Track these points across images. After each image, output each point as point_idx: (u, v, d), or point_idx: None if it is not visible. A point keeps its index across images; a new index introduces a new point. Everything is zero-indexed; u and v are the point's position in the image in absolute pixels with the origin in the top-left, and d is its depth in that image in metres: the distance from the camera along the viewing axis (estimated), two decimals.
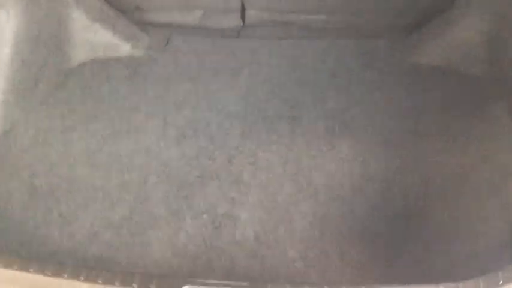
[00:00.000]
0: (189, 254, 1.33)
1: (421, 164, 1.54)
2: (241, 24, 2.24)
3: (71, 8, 1.94)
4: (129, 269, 1.29)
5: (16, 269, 0.99)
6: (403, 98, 1.79)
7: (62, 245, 1.37)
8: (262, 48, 2.12)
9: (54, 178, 1.57)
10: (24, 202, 1.50)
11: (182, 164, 1.61)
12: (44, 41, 1.83)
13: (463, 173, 1.50)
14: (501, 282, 0.93)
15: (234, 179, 1.55)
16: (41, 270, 0.99)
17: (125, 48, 2.09)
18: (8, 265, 1.00)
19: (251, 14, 2.19)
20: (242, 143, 1.68)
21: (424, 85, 1.85)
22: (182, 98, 1.88)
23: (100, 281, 0.97)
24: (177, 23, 2.23)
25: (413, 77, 1.89)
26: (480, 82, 1.82)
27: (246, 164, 1.60)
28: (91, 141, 1.70)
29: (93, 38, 2.03)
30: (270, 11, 2.18)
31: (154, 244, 1.36)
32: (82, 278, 0.97)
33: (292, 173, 1.56)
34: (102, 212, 1.46)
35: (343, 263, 1.29)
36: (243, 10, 2.22)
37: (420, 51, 1.97)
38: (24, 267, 1.00)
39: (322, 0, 2.10)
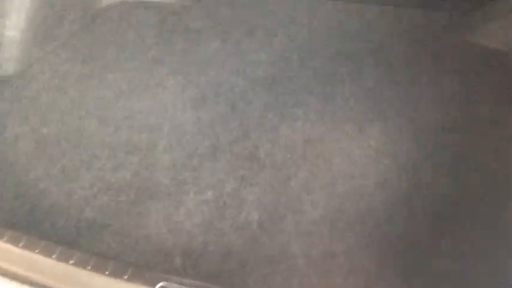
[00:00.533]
0: (185, 232, 1.24)
1: (459, 166, 1.37)
2: None
3: None
4: (120, 241, 1.21)
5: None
6: (452, 85, 1.60)
7: (58, 203, 1.30)
8: (304, 8, 1.94)
9: (63, 128, 1.50)
10: (30, 151, 1.44)
11: (196, 130, 1.50)
12: None
13: (505, 179, 1.33)
14: None
15: (247, 154, 1.43)
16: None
17: None
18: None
19: None
20: (264, 114, 1.55)
21: (478, 70, 1.64)
22: (209, 56, 1.75)
23: (72, 262, 0.89)
24: None
25: (467, 60, 1.68)
26: None
27: (264, 140, 1.47)
28: (106, 93, 1.61)
29: None
30: None
31: (151, 216, 1.28)
32: (54, 256, 0.90)
33: (312, 155, 1.43)
34: (104, 172, 1.39)
35: (349, 268, 1.17)
36: None
37: (480, 31, 1.75)
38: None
39: None
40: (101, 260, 0.89)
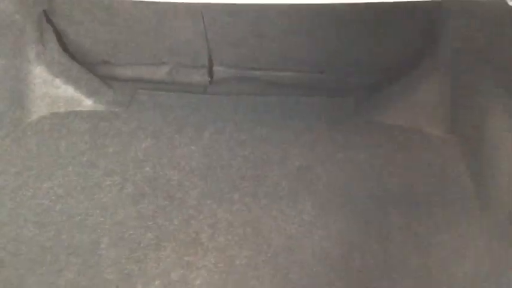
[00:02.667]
0: None
1: (383, 230, 1.51)
2: (209, 80, 2.23)
3: (32, 64, 1.91)
4: None
5: None
6: (367, 159, 1.78)
7: None
8: (227, 105, 2.11)
9: (1, 240, 1.49)
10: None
11: (137, 225, 1.54)
12: (2, 96, 1.79)
13: (426, 239, 1.47)
14: None
15: (191, 240, 1.49)
16: None
17: (87, 103, 2.05)
18: None
19: (219, 70, 2.19)
20: (202, 202, 1.63)
21: (388, 146, 1.84)
22: (143, 154, 1.83)
23: None
24: (145, 78, 2.22)
25: (377, 137, 1.89)
26: (442, 143, 1.83)
27: (205, 226, 1.54)
28: (43, 201, 1.63)
29: (54, 92, 1.99)
30: (237, 68, 2.18)
31: None
32: None
33: (252, 235, 1.51)
34: (48, 276, 1.38)
35: None
36: (210, 66, 2.22)
37: (385, 111, 1.98)
38: None
39: (288, 58, 2.11)
40: None
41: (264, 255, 1.44)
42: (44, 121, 1.97)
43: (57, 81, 1.99)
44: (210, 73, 2.23)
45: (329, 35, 2.01)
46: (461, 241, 1.45)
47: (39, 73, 1.94)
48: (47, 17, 1.98)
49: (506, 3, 1.14)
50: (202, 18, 2.04)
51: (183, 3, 2.06)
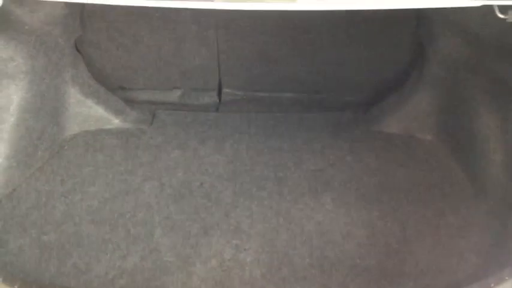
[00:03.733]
0: None
1: (398, 214, 1.77)
2: (218, 102, 2.48)
3: (67, 85, 2.11)
4: None
5: None
6: (372, 160, 2.05)
7: None
8: (241, 121, 2.35)
9: (62, 235, 1.65)
10: (36, 256, 1.56)
11: (183, 218, 1.74)
12: (44, 112, 1.97)
13: (435, 221, 1.74)
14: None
15: (234, 229, 1.70)
16: None
17: (114, 122, 2.25)
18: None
19: (227, 92, 2.45)
20: (235, 199, 1.84)
21: (388, 149, 2.13)
22: (173, 163, 2.04)
23: None
24: (159, 101, 2.44)
25: (378, 143, 2.17)
26: (434, 145, 2.13)
27: (243, 217, 1.75)
28: (92, 202, 1.81)
29: (86, 112, 2.19)
30: (244, 90, 2.45)
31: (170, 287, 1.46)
32: None
33: (286, 222, 1.73)
34: (114, 261, 1.55)
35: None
36: (219, 89, 2.48)
37: (380, 123, 2.28)
38: None
39: (289, 80, 2.40)
40: None
41: (299, 238, 1.66)
42: (77, 138, 2.15)
43: (89, 102, 2.18)
44: (219, 95, 2.48)
45: (324, 58, 2.32)
46: (464, 221, 1.72)
47: (73, 94, 2.13)
48: (77, 43, 2.20)
49: (496, 15, 1.41)
50: (217, 43, 2.31)
51: (198, 29, 2.34)
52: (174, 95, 2.46)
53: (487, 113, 1.84)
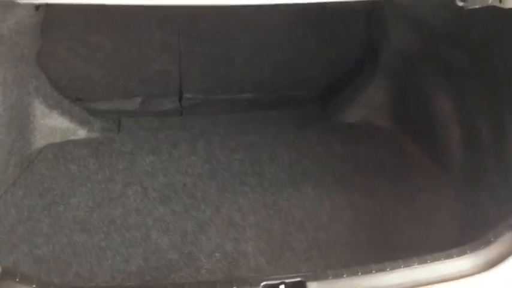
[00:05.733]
0: None
1: (377, 193, 1.90)
2: (180, 106, 2.51)
3: (32, 97, 2.05)
4: None
5: None
6: (341, 149, 2.18)
7: None
8: (207, 122, 2.40)
9: (55, 246, 1.62)
10: (33, 270, 1.52)
11: (176, 218, 1.76)
12: (13, 126, 1.91)
13: (409, 198, 1.89)
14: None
15: (228, 223, 1.74)
16: None
17: (81, 132, 2.21)
18: None
19: (188, 97, 2.49)
20: (221, 196, 1.89)
21: (351, 137, 2.27)
22: (151, 167, 2.05)
23: None
24: (120, 110, 2.43)
25: (342, 133, 2.31)
26: (391, 131, 2.30)
27: (233, 211, 1.80)
28: (78, 212, 1.78)
29: (51, 123, 2.13)
30: (204, 93, 2.50)
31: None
32: None
33: (275, 212, 1.81)
34: (117, 265, 1.54)
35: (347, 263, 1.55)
36: (180, 94, 2.51)
37: (341, 114, 2.42)
38: None
39: (248, 81, 2.48)
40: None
41: (292, 225, 1.74)
42: (45, 150, 2.09)
43: (54, 113, 2.13)
44: (180, 101, 2.51)
45: (280, 57, 2.44)
46: (434, 196, 1.88)
47: (37, 106, 2.07)
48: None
49: (455, 3, 1.55)
50: (179, 48, 2.35)
51: (160, 35, 2.37)
52: (135, 103, 2.45)
53: (442, 95, 2.03)
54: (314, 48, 2.44)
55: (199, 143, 2.22)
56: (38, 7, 1.88)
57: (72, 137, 2.20)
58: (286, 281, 1.13)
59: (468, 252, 1.29)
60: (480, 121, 1.81)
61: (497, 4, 1.40)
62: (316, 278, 1.14)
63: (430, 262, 1.23)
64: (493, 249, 1.27)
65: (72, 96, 2.32)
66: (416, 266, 1.22)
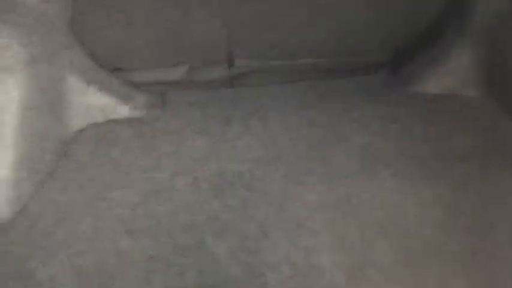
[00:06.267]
0: None
1: (467, 186, 1.58)
2: (229, 75, 2.21)
3: (66, 71, 1.80)
4: None
5: None
6: (416, 126, 1.85)
7: None
8: (262, 95, 2.10)
9: (98, 255, 1.40)
10: (73, 285, 1.31)
11: (232, 217, 1.51)
12: (45, 107, 1.68)
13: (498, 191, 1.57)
14: None
15: (294, 226, 1.48)
16: None
17: (123, 110, 1.96)
18: None
19: (240, 63, 2.18)
20: (283, 188, 1.62)
21: (430, 111, 1.93)
22: (201, 151, 1.79)
23: None
24: (162, 80, 2.15)
25: (417, 106, 1.97)
26: (481, 103, 1.94)
27: (298, 209, 1.54)
28: (122, 210, 1.55)
29: (90, 101, 1.89)
30: (257, 60, 2.18)
31: None
32: None
33: (349, 211, 1.52)
34: (170, 280, 1.32)
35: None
36: (230, 61, 2.20)
37: (416, 83, 2.06)
38: None
39: (306, 45, 2.14)
40: None
41: (371, 228, 1.46)
42: (85, 133, 1.86)
43: (92, 89, 1.88)
44: (230, 68, 2.21)
45: (344, 18, 2.07)
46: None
47: (73, 81, 1.83)
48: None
49: None
50: (229, 7, 2.02)
51: None
52: (180, 72, 2.17)
53: None
54: (383, 6, 2.06)
55: (254, 120, 1.94)
56: None
57: (113, 116, 1.95)
58: None
59: None
60: None
61: None
62: None
63: None
64: None
65: (110, 66, 2.06)
66: None
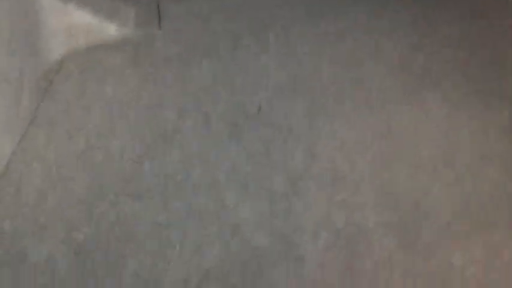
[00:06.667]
0: None
1: None
2: None
3: None
4: None
5: None
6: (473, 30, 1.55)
7: None
8: (270, 3, 1.75)
9: (99, 226, 1.18)
10: (74, 267, 1.10)
11: (253, 170, 1.26)
12: (16, 39, 1.35)
13: None
14: None
15: (330, 173, 1.24)
16: None
17: (110, 30, 1.63)
18: None
19: None
20: (312, 123, 1.36)
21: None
22: (210, 79, 1.51)
23: None
24: None
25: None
26: None
27: (333, 151, 1.29)
28: (122, 164, 1.30)
29: (68, 21, 1.55)
30: None
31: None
32: None
33: (394, 151, 1.27)
34: (186, 257, 1.10)
35: None
36: None
37: None
38: None
39: None
40: None
41: (422, 177, 1.22)
42: (68, 64, 1.55)
43: (70, 7, 1.54)
44: None
45: None
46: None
47: (46, 1, 1.48)
48: None
49: None
50: None
51: None
52: None
53: None
54: None
55: (269, 35, 1.62)
56: None
57: (99, 38, 1.63)
58: None
59: None
60: None
61: None
62: None
63: None
64: None
65: None
66: None
